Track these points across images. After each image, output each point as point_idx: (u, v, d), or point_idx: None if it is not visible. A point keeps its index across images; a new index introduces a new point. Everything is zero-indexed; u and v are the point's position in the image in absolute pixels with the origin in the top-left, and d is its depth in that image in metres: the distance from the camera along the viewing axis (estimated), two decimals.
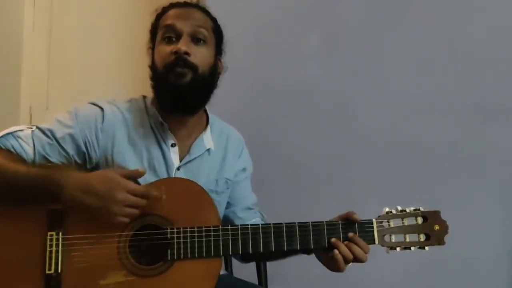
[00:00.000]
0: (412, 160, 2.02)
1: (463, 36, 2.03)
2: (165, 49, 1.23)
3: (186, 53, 1.21)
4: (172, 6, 1.30)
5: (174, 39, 1.23)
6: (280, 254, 1.32)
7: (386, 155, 2.04)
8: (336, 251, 1.16)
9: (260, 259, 1.49)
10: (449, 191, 1.85)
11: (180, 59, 1.21)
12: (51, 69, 2.62)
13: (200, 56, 1.24)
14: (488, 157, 2.00)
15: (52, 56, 2.62)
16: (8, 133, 1.20)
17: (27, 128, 1.22)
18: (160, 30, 1.27)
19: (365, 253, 1.17)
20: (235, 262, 1.57)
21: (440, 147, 2.02)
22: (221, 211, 1.37)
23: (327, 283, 2.03)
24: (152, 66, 1.27)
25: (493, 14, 2.03)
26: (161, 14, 1.30)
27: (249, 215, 1.42)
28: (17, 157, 1.18)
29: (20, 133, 1.20)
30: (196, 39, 1.24)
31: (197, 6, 1.31)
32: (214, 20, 1.33)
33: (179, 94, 1.22)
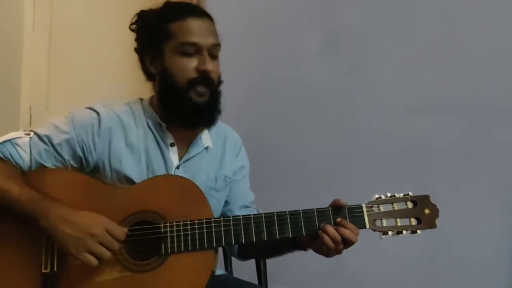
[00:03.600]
0: (412, 159, 2.03)
1: (463, 35, 2.03)
2: (188, 64, 1.23)
3: (210, 72, 1.24)
4: (184, 11, 1.27)
5: (192, 52, 1.24)
6: (276, 249, 1.33)
7: (385, 154, 2.04)
8: (323, 234, 1.16)
9: (257, 255, 1.48)
10: (450, 191, 1.85)
11: (205, 77, 1.24)
12: (51, 69, 2.62)
13: (216, 71, 1.27)
14: (488, 157, 2.00)
15: (52, 56, 2.62)
16: (6, 140, 1.22)
17: (25, 134, 1.24)
18: (176, 41, 1.24)
19: (355, 234, 1.17)
20: (235, 262, 1.57)
21: (440, 147, 2.02)
22: (220, 208, 1.38)
23: (327, 282, 2.04)
24: (167, 77, 1.25)
25: (493, 13, 2.03)
26: (170, 17, 1.26)
27: (246, 213, 1.41)
28: (12, 173, 1.19)
29: (18, 141, 1.22)
30: (212, 54, 1.26)
31: (206, 14, 1.29)
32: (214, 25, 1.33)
33: (199, 112, 1.25)
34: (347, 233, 1.16)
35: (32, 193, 1.14)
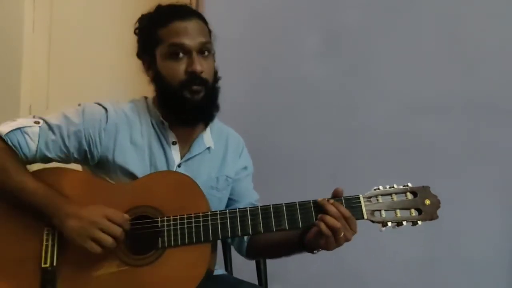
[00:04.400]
0: (412, 159, 2.02)
1: (463, 35, 2.03)
2: (177, 67, 1.26)
3: (201, 72, 1.25)
4: (170, 16, 1.28)
5: (181, 55, 1.26)
6: (283, 249, 1.32)
7: (385, 154, 2.04)
8: (320, 222, 1.15)
9: (265, 255, 1.48)
10: (449, 191, 1.84)
11: (196, 78, 1.25)
12: (51, 69, 2.62)
13: (209, 69, 1.28)
14: (488, 157, 2.00)
15: (52, 56, 2.62)
16: (16, 128, 1.24)
17: (34, 122, 1.25)
18: (164, 45, 1.27)
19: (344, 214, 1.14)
20: (235, 262, 1.57)
21: (440, 146, 2.02)
22: (221, 207, 1.39)
23: (327, 283, 2.04)
24: (160, 82, 1.29)
25: (493, 13, 2.03)
26: (158, 24, 1.29)
27: None
28: (24, 166, 1.22)
29: (28, 129, 1.24)
30: (202, 52, 1.27)
31: (196, 14, 1.32)
32: (207, 24, 1.34)
33: (196, 109, 1.27)
34: (342, 209, 1.14)
35: (46, 188, 1.18)
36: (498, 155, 1.99)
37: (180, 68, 1.26)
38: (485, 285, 1.98)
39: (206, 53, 1.28)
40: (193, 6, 2.09)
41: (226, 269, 1.57)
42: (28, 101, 2.58)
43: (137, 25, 1.35)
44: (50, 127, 1.25)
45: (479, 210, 1.97)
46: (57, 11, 2.63)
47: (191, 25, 1.27)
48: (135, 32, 1.35)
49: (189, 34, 1.26)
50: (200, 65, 1.25)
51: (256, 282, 1.49)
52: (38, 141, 1.23)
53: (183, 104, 1.26)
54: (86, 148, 1.26)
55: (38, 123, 1.25)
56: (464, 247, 1.98)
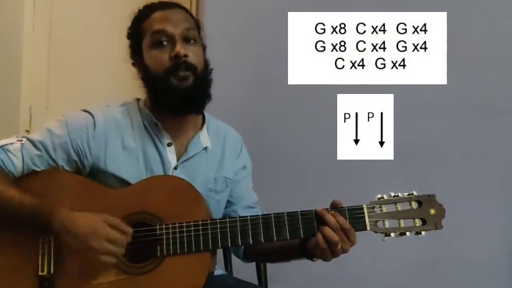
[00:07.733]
0: (412, 159, 2.02)
1: (463, 35, 2.02)
2: (161, 55, 1.24)
3: (185, 56, 1.23)
4: (152, 8, 1.29)
5: (165, 43, 1.24)
6: (283, 254, 1.31)
7: (385, 154, 2.03)
8: (318, 234, 1.13)
9: (263, 259, 1.47)
10: (449, 191, 1.84)
11: (181, 62, 1.22)
12: (51, 69, 2.62)
13: (195, 55, 1.25)
14: (488, 157, 1.99)
15: (52, 56, 2.62)
16: None
17: (18, 141, 1.23)
18: (147, 36, 1.26)
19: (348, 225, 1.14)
20: (235, 262, 1.57)
21: (440, 146, 2.02)
22: (220, 210, 1.37)
23: (327, 283, 2.04)
24: (148, 74, 1.27)
25: (493, 13, 2.03)
26: (141, 18, 1.29)
27: (251, 214, 1.40)
28: (10, 179, 1.19)
29: (9, 147, 1.21)
30: (187, 40, 1.26)
31: (176, 5, 1.31)
32: (193, 16, 1.34)
33: (184, 96, 1.23)
34: (341, 220, 1.13)
35: (32, 200, 1.14)
36: (498, 155, 1.99)
37: (164, 55, 1.23)
38: (485, 286, 1.98)
39: (192, 41, 1.26)
40: (193, 6, 2.10)
41: (226, 269, 1.56)
42: (28, 102, 2.58)
43: (128, 30, 1.34)
44: (33, 143, 1.22)
45: (479, 211, 1.97)
46: (57, 11, 2.63)
47: (172, 13, 1.26)
48: (127, 37, 1.34)
49: (171, 21, 1.24)
50: (184, 49, 1.22)
51: (256, 282, 1.49)
52: (22, 157, 1.20)
53: (171, 92, 1.22)
54: (76, 159, 1.23)
55: (21, 140, 1.22)
56: (464, 247, 1.97)
